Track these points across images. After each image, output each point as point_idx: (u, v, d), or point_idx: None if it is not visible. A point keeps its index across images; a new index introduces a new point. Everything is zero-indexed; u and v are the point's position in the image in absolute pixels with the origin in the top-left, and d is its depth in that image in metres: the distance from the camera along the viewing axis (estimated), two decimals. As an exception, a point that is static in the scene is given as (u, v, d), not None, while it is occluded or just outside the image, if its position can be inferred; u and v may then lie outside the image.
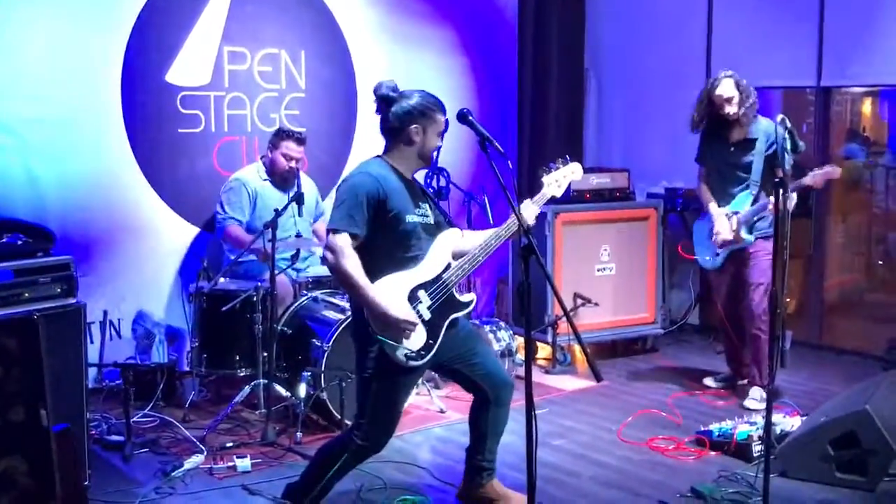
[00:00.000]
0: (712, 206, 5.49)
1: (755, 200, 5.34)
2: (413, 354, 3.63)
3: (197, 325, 5.40)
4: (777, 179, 4.02)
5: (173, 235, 6.03)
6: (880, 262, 7.75)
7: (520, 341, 6.05)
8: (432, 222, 3.79)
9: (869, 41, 6.37)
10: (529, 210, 3.91)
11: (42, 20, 5.41)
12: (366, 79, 6.72)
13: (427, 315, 3.68)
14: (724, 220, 5.39)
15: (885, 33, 6.28)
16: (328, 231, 3.60)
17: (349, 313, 5.02)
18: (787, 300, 5.03)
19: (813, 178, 5.13)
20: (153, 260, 5.96)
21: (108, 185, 5.73)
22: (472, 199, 6.28)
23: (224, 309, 5.18)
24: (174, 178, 6.00)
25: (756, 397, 5.40)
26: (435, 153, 3.84)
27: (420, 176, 6.10)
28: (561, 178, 4.08)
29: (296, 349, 5.24)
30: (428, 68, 7.04)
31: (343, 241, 3.54)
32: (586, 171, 6.85)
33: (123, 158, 5.78)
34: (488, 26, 7.47)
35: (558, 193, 4.09)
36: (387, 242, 3.64)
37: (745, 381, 5.63)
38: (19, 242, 4.20)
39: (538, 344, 6.48)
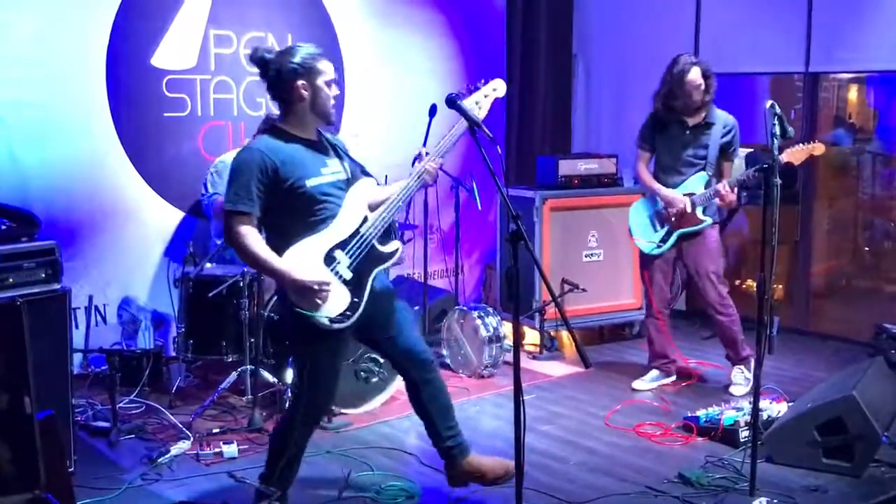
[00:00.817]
0: (660, 187, 5.43)
1: (708, 184, 5.34)
2: (337, 318, 3.53)
3: (183, 311, 5.38)
4: (765, 166, 4.01)
5: (159, 220, 5.99)
6: (867, 249, 7.77)
7: (508, 327, 6.04)
8: (346, 177, 3.68)
9: (857, 27, 6.36)
10: (443, 144, 3.82)
11: (26, 3, 5.34)
12: (353, 62, 6.70)
13: (348, 275, 3.57)
14: (677, 194, 5.35)
15: (874, 19, 6.28)
16: (224, 210, 3.54)
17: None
18: (774, 286, 5.05)
19: (791, 154, 5.07)
20: (139, 245, 5.92)
21: (93, 170, 5.68)
22: (460, 185, 6.26)
23: (210, 294, 5.14)
24: (160, 163, 5.96)
25: (741, 381, 5.43)
26: (332, 105, 3.63)
27: (406, 158, 6.11)
28: (481, 98, 3.84)
29: (282, 335, 5.22)
30: (416, 51, 7.01)
31: (235, 220, 3.47)
32: (574, 156, 6.91)
33: (108, 142, 5.73)
34: (477, 10, 7.44)
35: (481, 115, 3.78)
36: (293, 211, 3.54)
37: (673, 378, 5.68)
38: (3, 227, 4.17)
39: (526, 329, 6.48)
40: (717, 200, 5.29)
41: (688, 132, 5.39)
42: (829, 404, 4.34)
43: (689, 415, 4.93)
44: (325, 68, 3.58)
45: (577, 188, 6.58)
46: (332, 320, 3.52)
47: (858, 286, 7.60)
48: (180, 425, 4.81)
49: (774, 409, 4.81)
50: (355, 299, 3.58)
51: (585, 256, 6.57)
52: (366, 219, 3.65)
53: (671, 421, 5.01)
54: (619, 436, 4.88)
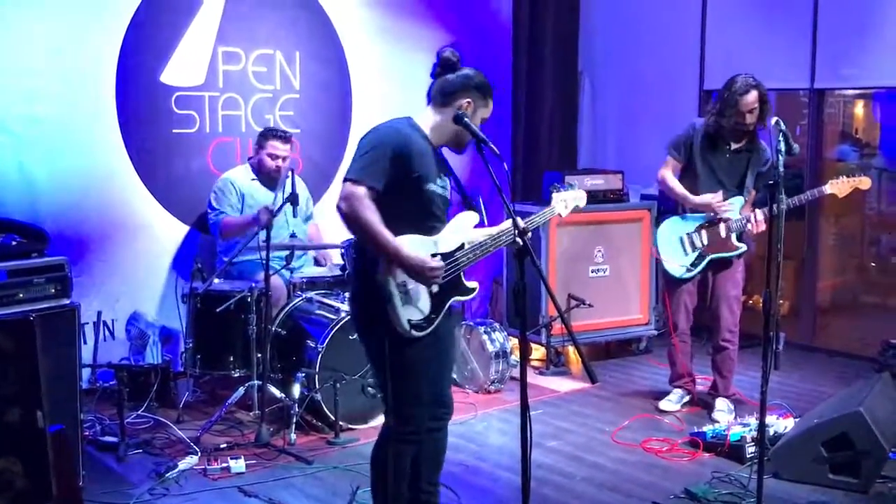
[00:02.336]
0: (689, 195, 5.25)
1: (743, 209, 5.25)
2: (416, 323, 3.41)
3: (191, 326, 5.40)
4: (770, 182, 4.02)
5: (168, 236, 6.02)
6: (873, 264, 7.78)
7: (514, 342, 6.06)
8: (450, 198, 3.62)
9: (862, 43, 6.40)
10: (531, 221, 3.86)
11: (37, 19, 5.40)
12: (360, 79, 6.74)
13: (435, 288, 3.47)
14: (712, 196, 5.20)
15: (879, 35, 6.31)
16: (345, 180, 3.38)
17: (343, 314, 5.03)
18: (780, 301, 5.05)
19: (836, 185, 5.05)
20: (147, 261, 5.95)
21: (102, 185, 5.72)
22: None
23: (218, 310, 5.17)
24: (169, 179, 6.00)
25: (724, 409, 5.37)
26: (469, 140, 3.49)
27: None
28: (570, 199, 4.15)
29: (290, 350, 5.24)
30: (422, 69, 6.96)
31: (360, 191, 3.30)
32: (580, 172, 6.94)
33: (118, 158, 5.77)
34: (483, 28, 7.48)
35: (564, 213, 4.13)
36: (408, 205, 3.42)
37: (689, 394, 5.60)
38: (13, 243, 4.20)
39: (532, 345, 6.49)
40: (748, 227, 5.16)
41: (728, 155, 5.24)
42: (835, 420, 4.34)
43: (696, 430, 4.94)
44: (489, 105, 3.56)
45: (583, 203, 6.59)
46: (411, 325, 3.40)
47: (865, 302, 7.61)
48: (188, 440, 4.82)
49: (781, 424, 4.81)
50: (432, 315, 3.48)
51: (592, 272, 6.59)
52: (463, 246, 3.60)
53: (678, 436, 5.02)
54: (626, 451, 4.88)
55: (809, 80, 6.72)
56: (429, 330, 3.47)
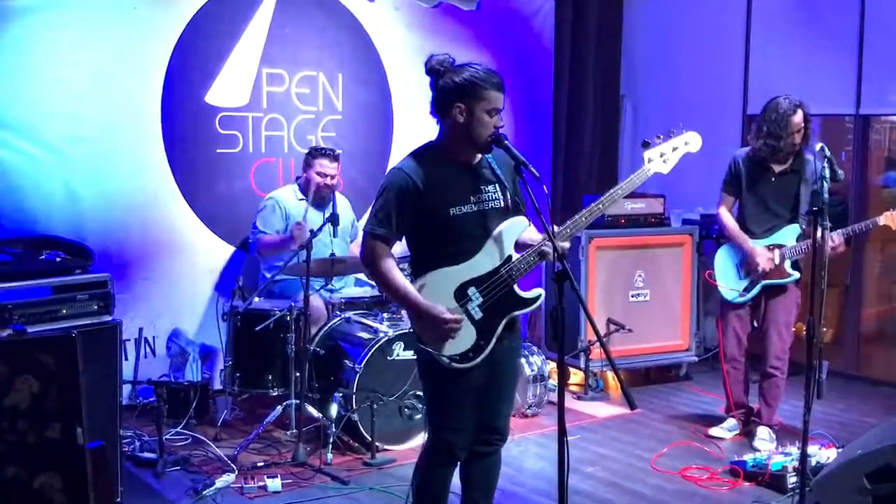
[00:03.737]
0: (745, 239, 5.22)
1: (800, 237, 5.16)
2: (457, 357, 3.34)
3: (231, 344, 5.44)
4: (815, 209, 3.98)
5: (209, 255, 6.08)
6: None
7: (552, 366, 6.02)
8: (502, 207, 3.44)
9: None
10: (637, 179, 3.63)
11: (84, 41, 5.50)
12: (402, 101, 6.77)
13: (478, 314, 3.37)
14: (766, 252, 5.17)
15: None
16: (364, 233, 3.44)
17: (381, 335, 5.04)
18: (824, 329, 4.96)
19: (891, 217, 5.00)
20: (189, 279, 6.01)
21: (146, 204, 5.81)
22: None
23: (258, 328, 5.20)
24: (212, 198, 6.07)
25: (765, 437, 5.29)
26: (490, 135, 3.34)
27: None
28: (669, 150, 3.67)
29: (328, 370, 5.26)
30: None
31: (372, 244, 3.35)
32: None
33: (162, 177, 5.85)
34: (525, 51, 7.50)
35: (664, 170, 3.68)
36: (433, 237, 3.37)
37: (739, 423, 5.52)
38: (58, 259, 4.27)
39: (570, 369, 6.45)
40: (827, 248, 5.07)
41: (773, 179, 5.18)
42: (879, 451, 4.25)
43: (737, 459, 4.87)
44: (489, 96, 3.33)
45: (624, 227, 6.56)
46: (452, 359, 3.34)
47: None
48: (225, 458, 4.84)
49: (823, 454, 4.73)
50: (481, 341, 3.38)
51: (632, 296, 6.54)
52: (509, 258, 3.43)
53: (718, 465, 4.95)
54: (665, 479, 4.82)
55: (855, 106, 6.65)
56: (479, 359, 3.38)
